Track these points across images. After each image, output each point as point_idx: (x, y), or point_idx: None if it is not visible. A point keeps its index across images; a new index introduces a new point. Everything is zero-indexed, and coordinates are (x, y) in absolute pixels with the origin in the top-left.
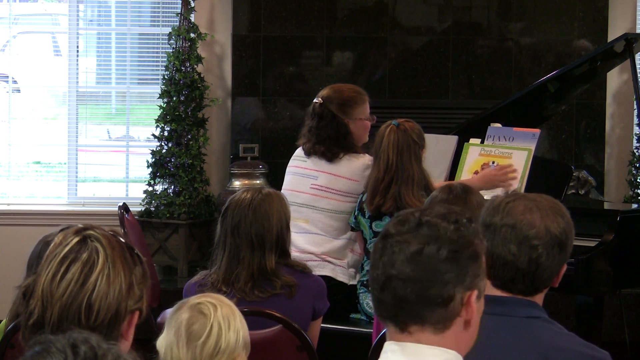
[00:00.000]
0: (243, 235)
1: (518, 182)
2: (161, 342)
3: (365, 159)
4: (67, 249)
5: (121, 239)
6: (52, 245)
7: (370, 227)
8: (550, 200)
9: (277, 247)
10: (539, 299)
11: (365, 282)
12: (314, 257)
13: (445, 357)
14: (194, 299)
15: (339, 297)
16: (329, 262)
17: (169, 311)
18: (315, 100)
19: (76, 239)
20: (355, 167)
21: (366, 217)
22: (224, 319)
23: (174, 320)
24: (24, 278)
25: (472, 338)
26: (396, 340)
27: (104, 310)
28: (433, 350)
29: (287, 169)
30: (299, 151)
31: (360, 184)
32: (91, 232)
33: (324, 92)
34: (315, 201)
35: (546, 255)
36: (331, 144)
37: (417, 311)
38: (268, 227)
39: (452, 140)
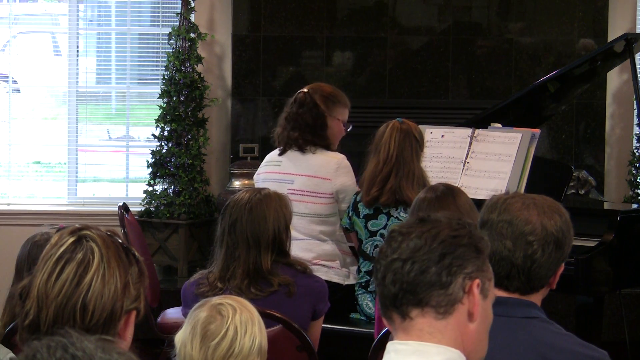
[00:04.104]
0: (239, 233)
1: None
2: (178, 337)
3: (338, 157)
4: (62, 249)
5: (117, 238)
6: (48, 245)
7: (366, 226)
8: (549, 200)
9: (273, 247)
10: (537, 299)
11: (363, 284)
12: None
13: (448, 356)
14: (217, 299)
15: (336, 297)
16: (322, 265)
17: (169, 311)
18: (299, 91)
19: (71, 239)
20: (327, 164)
21: (361, 217)
22: (242, 324)
23: (193, 317)
24: (12, 280)
25: (479, 337)
26: (399, 330)
27: (99, 310)
28: (437, 348)
29: (257, 177)
30: (272, 157)
31: (332, 183)
32: (87, 232)
33: (310, 85)
34: (294, 206)
35: (541, 252)
36: (306, 131)
37: (416, 291)
38: (264, 228)
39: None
